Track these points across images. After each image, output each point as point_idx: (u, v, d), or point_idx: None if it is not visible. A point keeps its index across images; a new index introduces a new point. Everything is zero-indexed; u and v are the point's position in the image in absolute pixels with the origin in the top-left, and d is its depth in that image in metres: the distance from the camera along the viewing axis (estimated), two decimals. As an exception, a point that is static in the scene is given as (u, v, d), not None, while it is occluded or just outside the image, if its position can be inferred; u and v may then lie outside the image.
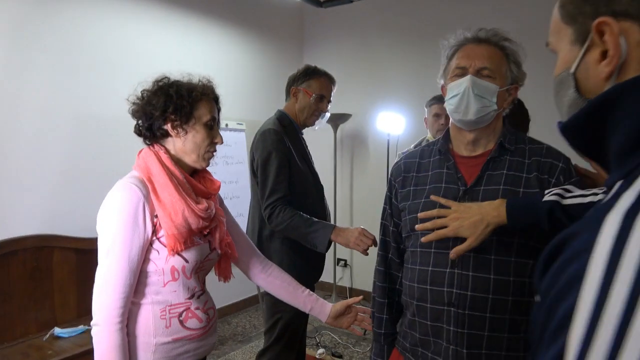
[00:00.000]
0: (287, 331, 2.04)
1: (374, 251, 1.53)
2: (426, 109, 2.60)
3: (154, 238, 1.21)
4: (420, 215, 1.17)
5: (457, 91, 1.20)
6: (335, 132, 4.35)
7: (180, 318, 1.26)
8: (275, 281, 1.55)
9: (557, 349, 0.41)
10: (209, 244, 1.33)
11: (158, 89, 1.28)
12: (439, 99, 2.51)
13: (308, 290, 1.57)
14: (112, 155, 3.02)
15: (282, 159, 1.90)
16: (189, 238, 1.23)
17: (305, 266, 2.01)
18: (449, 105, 1.23)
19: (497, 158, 1.22)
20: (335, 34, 4.64)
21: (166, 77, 1.32)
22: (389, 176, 1.42)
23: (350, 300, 1.54)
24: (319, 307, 1.54)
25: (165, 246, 1.21)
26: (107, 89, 3.03)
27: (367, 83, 4.39)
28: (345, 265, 4.61)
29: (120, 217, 1.17)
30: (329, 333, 3.71)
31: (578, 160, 1.24)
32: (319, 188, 2.12)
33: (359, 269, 4.58)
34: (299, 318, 2.07)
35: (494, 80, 1.19)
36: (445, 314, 1.17)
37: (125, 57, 3.16)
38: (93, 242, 2.78)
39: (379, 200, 4.65)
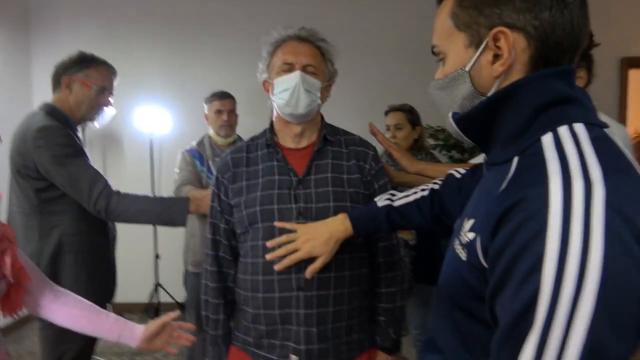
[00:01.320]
0: (74, 366, 1.73)
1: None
2: (206, 106, 2.55)
3: None
4: (269, 243, 1.16)
5: (287, 86, 1.25)
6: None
7: None
8: (72, 311, 1.26)
9: (533, 289, 0.51)
10: None
11: None
12: (220, 96, 2.52)
13: (113, 314, 1.32)
14: None
15: (79, 152, 1.67)
16: None
17: (106, 276, 1.78)
18: (279, 100, 1.27)
19: (322, 149, 1.32)
20: (72, 19, 4.02)
21: None
22: (216, 173, 1.36)
23: (165, 318, 1.33)
24: (128, 333, 1.29)
25: None
26: None
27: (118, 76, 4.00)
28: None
29: None
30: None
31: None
32: None
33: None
34: (89, 347, 1.78)
35: (317, 76, 1.29)
36: (294, 299, 1.22)
37: None
38: None
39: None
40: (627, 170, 0.57)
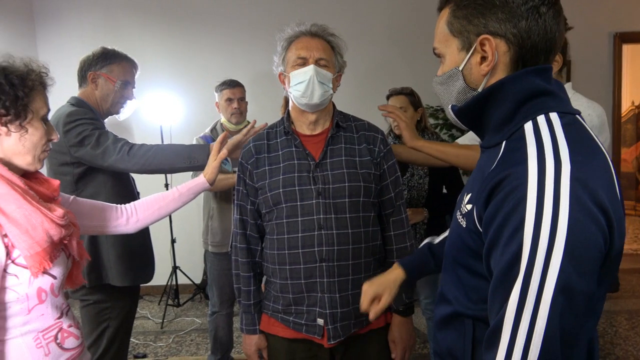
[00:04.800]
0: (116, 341, 1.89)
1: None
2: (217, 94, 2.67)
3: (8, 262, 1.01)
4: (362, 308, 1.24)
5: (303, 79, 1.38)
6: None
7: (57, 341, 1.09)
8: (147, 213, 1.52)
9: (518, 245, 0.66)
10: (63, 252, 1.18)
11: None
12: (230, 84, 2.63)
13: (173, 190, 1.55)
14: None
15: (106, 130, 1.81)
16: (52, 252, 1.07)
17: (140, 257, 1.92)
18: (295, 92, 1.39)
19: (335, 135, 1.46)
20: (74, 9, 4.09)
21: None
22: (240, 159, 1.50)
23: (238, 137, 1.65)
24: (199, 185, 1.58)
25: (25, 268, 1.03)
26: None
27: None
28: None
29: None
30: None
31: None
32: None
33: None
34: (128, 323, 1.94)
35: (329, 69, 1.41)
36: (318, 269, 1.37)
37: None
38: None
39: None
40: (589, 149, 0.72)
